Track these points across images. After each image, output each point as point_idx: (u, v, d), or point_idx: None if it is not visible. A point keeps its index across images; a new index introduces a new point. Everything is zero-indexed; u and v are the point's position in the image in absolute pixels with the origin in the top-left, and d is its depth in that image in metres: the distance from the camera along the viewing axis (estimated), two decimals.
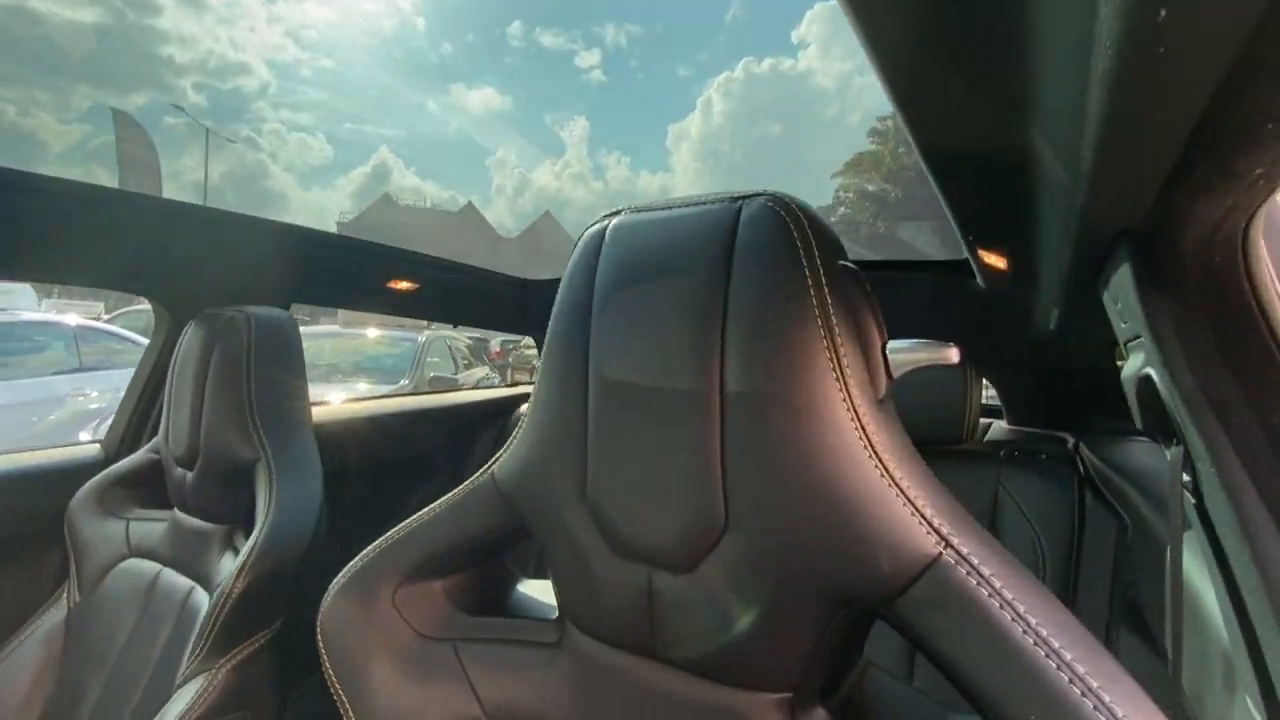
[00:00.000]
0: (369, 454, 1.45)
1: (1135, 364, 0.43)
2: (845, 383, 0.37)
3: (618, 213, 0.47)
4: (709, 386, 0.39)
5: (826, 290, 0.37)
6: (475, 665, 0.50)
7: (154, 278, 1.14)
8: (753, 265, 0.39)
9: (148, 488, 1.05)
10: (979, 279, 0.98)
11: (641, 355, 0.41)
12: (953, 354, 0.37)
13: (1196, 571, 0.51)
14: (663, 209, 0.44)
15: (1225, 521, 0.37)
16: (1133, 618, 0.87)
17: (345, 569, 0.55)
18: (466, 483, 0.54)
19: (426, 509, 0.54)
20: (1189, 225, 0.33)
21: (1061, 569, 1.03)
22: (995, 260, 0.76)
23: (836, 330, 0.37)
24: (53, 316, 4.68)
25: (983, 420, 1.59)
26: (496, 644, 0.51)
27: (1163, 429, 0.42)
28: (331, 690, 0.52)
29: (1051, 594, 0.35)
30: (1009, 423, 1.51)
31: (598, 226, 0.47)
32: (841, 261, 0.39)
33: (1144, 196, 0.33)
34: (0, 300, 4.76)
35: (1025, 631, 0.32)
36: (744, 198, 0.41)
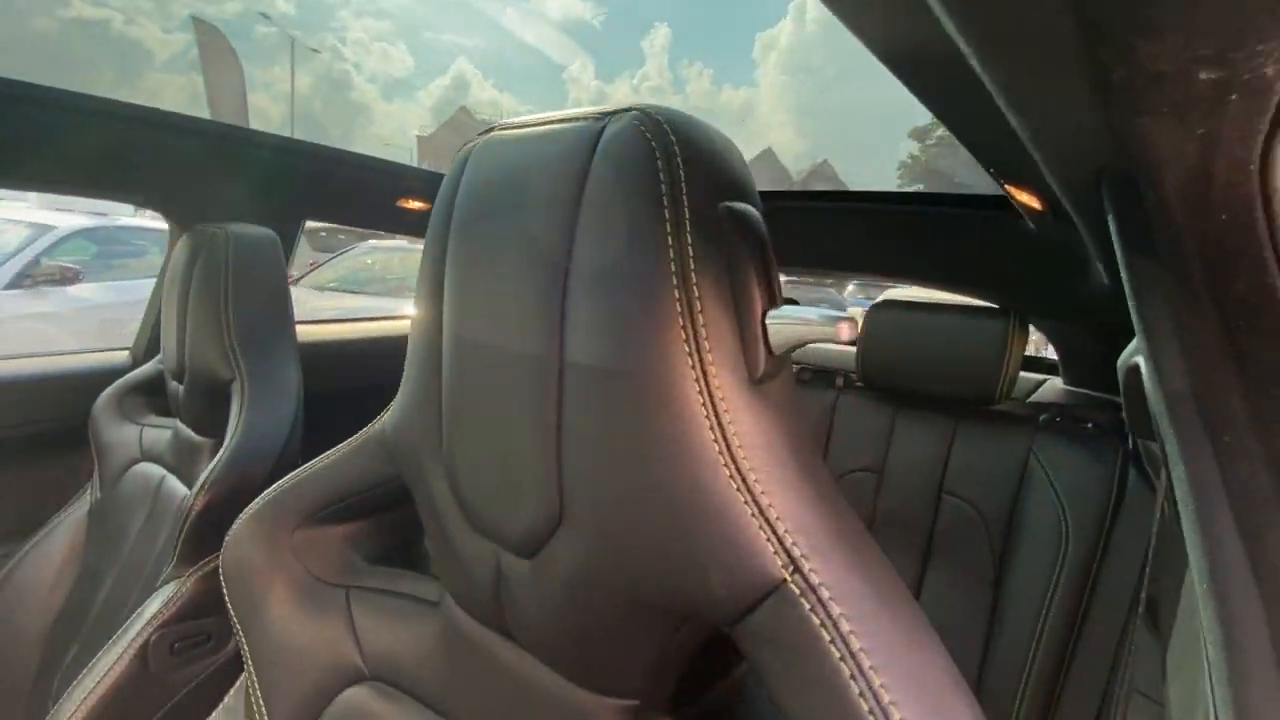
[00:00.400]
0: (365, 376, 1.46)
1: (1131, 348, 0.33)
2: (701, 360, 0.29)
3: (491, 130, 0.39)
4: (549, 354, 0.32)
5: (690, 239, 0.29)
6: (363, 614, 0.49)
7: (162, 191, 1.14)
8: (603, 204, 0.30)
9: (159, 396, 1.10)
10: (1027, 219, 0.83)
11: (487, 309, 0.35)
12: (844, 331, 0.29)
13: (1190, 599, 0.41)
14: (529, 126, 0.36)
15: (1201, 573, 0.27)
16: (1150, 618, 0.77)
17: (251, 504, 0.54)
18: (367, 427, 0.50)
19: (329, 451, 0.52)
20: (1168, 163, 0.22)
21: (1085, 553, 0.92)
22: (1028, 198, 0.62)
23: (697, 292, 0.29)
24: (148, 223, 4.99)
25: (1036, 377, 1.43)
26: (385, 595, 0.49)
27: (1153, 436, 0.32)
28: (231, 621, 0.52)
29: (932, 641, 0.28)
30: (1064, 382, 1.35)
31: (469, 147, 0.39)
32: (729, 203, 0.31)
33: (1079, 115, 0.22)
34: (102, 206, 5.11)
35: (862, 693, 0.25)
36: (612, 113, 0.32)
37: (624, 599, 0.32)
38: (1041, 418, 1.07)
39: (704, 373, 0.29)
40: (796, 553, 0.28)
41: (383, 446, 0.47)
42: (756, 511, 0.28)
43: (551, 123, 0.34)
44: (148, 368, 1.12)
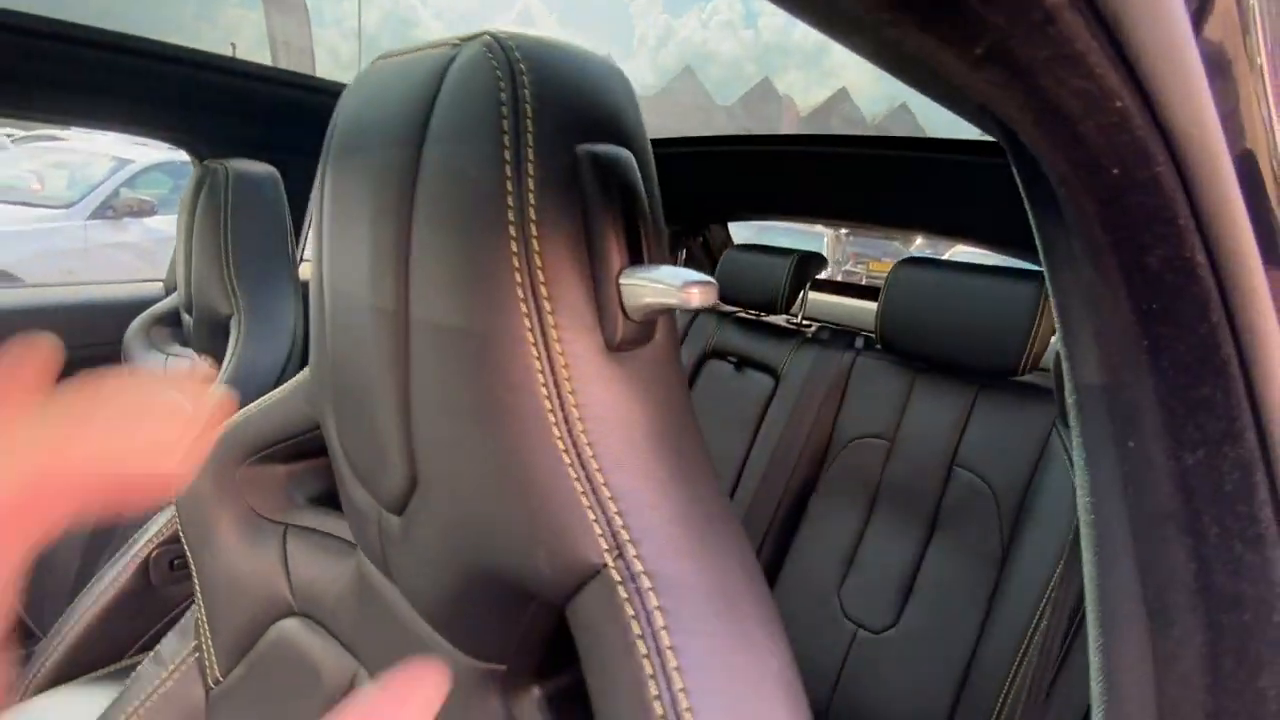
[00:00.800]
0: None
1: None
2: (541, 321, 0.26)
3: (378, 58, 0.36)
4: (397, 307, 0.30)
5: (532, 185, 0.26)
6: (296, 551, 0.50)
7: (183, 126, 1.16)
8: (444, 142, 0.27)
9: (182, 327, 1.15)
10: None
11: (347, 256, 0.33)
12: (693, 297, 0.25)
13: None
14: (404, 54, 0.33)
15: (1091, 595, 0.23)
16: None
17: None
18: (305, 369, 0.50)
19: (276, 390, 0.52)
20: (991, 96, 0.16)
21: None
22: None
23: (538, 245, 0.26)
24: None
25: None
26: (316, 534, 0.50)
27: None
28: (184, 549, 0.54)
29: (770, 644, 0.25)
30: None
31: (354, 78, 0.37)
32: (591, 146, 0.27)
33: (888, 33, 0.17)
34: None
35: (659, 695, 0.23)
36: (467, 40, 0.28)
37: (474, 570, 0.31)
38: None
39: (544, 335, 0.26)
40: (624, 537, 0.25)
41: (310, 391, 0.47)
42: (588, 489, 0.26)
43: (417, 51, 0.31)
44: (170, 301, 1.17)
